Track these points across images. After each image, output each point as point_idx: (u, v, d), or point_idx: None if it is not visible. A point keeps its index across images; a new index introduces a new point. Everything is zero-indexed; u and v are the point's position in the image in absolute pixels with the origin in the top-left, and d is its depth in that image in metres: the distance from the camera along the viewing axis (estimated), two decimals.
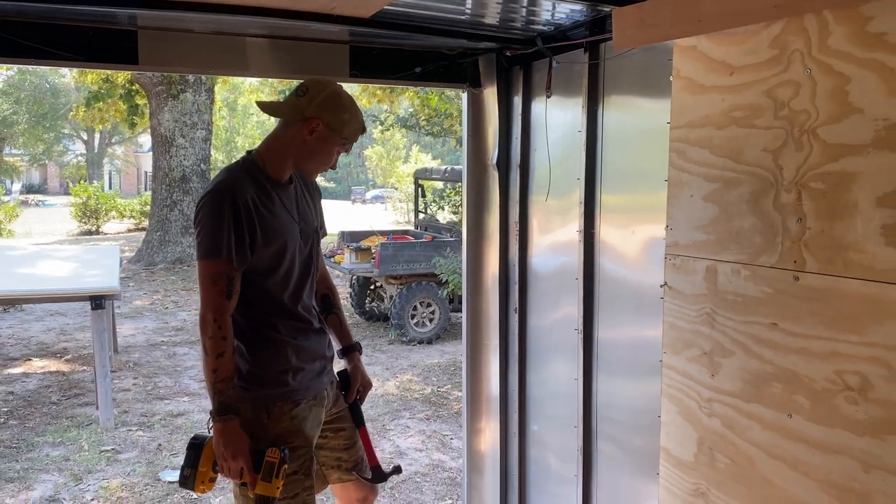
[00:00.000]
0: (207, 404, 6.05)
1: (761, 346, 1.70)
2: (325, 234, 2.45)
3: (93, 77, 13.88)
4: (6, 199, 20.69)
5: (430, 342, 8.32)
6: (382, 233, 9.85)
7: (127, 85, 14.11)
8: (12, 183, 35.89)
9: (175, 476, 4.44)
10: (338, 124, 2.18)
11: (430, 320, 8.44)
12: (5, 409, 5.68)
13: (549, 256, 3.06)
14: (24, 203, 26.99)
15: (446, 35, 2.81)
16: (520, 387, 3.25)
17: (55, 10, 2.43)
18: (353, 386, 2.47)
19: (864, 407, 1.47)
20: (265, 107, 2.32)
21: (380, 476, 2.47)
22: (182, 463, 2.21)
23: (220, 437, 2.08)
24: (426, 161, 27.90)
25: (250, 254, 2.10)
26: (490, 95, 3.14)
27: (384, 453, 4.93)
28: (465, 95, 3.24)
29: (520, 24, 2.75)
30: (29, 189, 39.73)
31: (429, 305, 8.43)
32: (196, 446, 2.19)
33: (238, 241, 2.06)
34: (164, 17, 2.54)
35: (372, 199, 38.05)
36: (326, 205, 2.61)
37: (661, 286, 2.02)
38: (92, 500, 4.17)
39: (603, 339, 2.69)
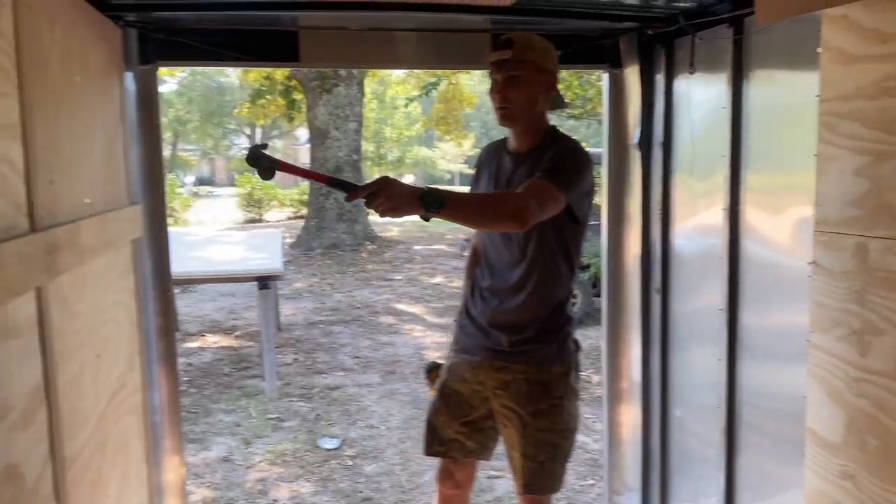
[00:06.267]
0: (360, 379, 6.31)
1: None
2: None
3: (255, 75, 14.88)
4: (181, 190, 22.55)
5: None
6: None
7: (285, 82, 15.00)
8: (185, 176, 39.06)
9: (333, 444, 4.78)
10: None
11: (573, 305, 8.38)
12: (186, 379, 6.30)
13: (692, 237, 3.02)
14: (196, 194, 29.30)
15: (586, 18, 2.84)
16: (662, 371, 3.22)
17: (228, 17, 2.72)
18: None
19: None
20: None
21: None
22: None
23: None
24: None
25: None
26: (631, 75, 3.13)
27: None
28: (605, 77, 3.24)
29: (661, 1, 2.73)
30: (200, 181, 43.07)
31: None
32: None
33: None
34: (322, 17, 2.76)
35: None
36: None
37: (809, 264, 1.97)
38: (259, 461, 4.58)
39: (748, 324, 2.63)
